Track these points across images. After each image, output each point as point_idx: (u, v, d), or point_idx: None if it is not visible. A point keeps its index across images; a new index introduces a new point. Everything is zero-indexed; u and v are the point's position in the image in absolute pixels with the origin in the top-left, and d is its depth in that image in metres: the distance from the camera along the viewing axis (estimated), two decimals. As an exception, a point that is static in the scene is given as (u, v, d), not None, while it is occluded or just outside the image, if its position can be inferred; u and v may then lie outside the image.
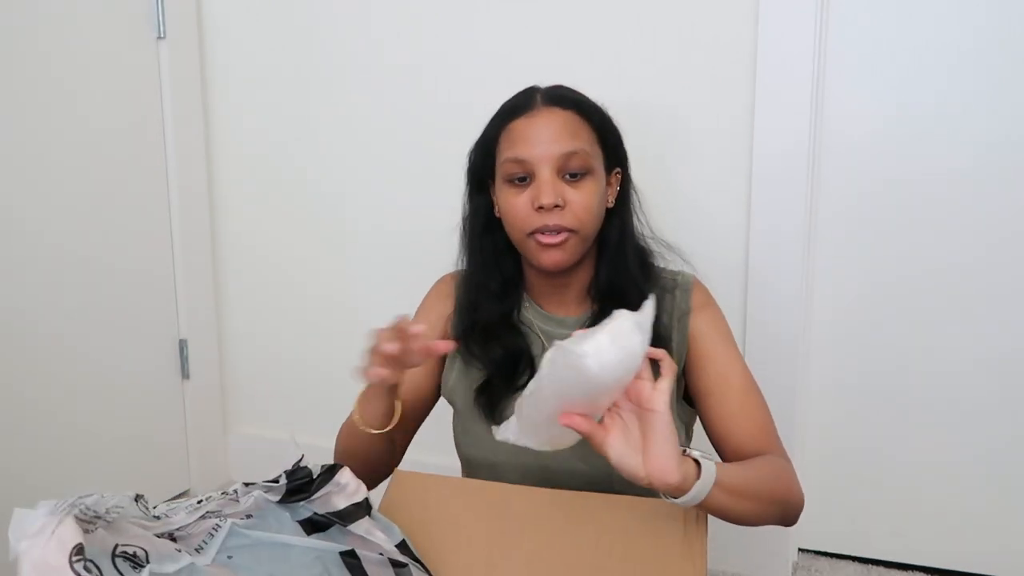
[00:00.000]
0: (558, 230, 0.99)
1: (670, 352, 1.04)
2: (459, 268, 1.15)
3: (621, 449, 0.78)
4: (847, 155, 1.54)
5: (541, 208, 0.98)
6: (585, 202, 1.00)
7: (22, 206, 1.54)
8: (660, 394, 0.77)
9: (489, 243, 1.09)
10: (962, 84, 1.47)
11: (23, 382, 1.56)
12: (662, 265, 1.11)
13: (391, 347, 0.84)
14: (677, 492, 0.79)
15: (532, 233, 1.00)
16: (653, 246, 1.11)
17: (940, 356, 1.57)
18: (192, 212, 1.87)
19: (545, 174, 0.98)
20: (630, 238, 1.08)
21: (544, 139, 0.99)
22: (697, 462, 0.81)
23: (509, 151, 1.01)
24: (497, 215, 1.07)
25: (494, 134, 1.04)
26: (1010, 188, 1.48)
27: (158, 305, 1.84)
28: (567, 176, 1.00)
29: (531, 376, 1.02)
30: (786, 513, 0.97)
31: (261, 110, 1.87)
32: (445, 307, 1.13)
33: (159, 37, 1.77)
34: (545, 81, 1.10)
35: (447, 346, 0.89)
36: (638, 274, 1.06)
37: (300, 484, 0.77)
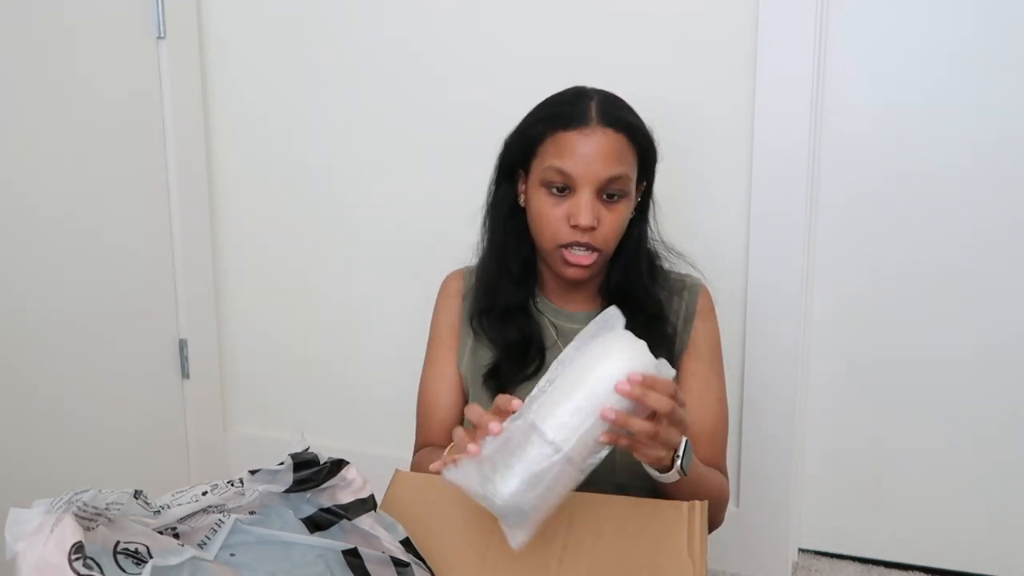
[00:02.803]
0: (588, 249, 1.01)
1: (673, 350, 1.09)
2: (472, 259, 1.17)
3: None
4: (847, 153, 1.54)
5: (576, 226, 1.00)
6: (615, 224, 1.03)
7: (22, 206, 1.53)
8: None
9: (512, 229, 1.10)
10: (962, 82, 1.47)
11: (23, 382, 1.56)
12: (667, 266, 1.14)
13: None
14: (660, 465, 0.87)
15: (561, 246, 1.02)
16: (662, 250, 1.14)
17: (940, 355, 1.57)
18: (192, 212, 1.87)
19: (586, 194, 1.00)
20: (644, 245, 1.11)
21: (593, 160, 0.99)
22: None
23: (556, 160, 1.00)
24: (522, 205, 1.08)
25: (539, 135, 1.03)
26: (1009, 185, 1.48)
27: (158, 305, 1.84)
28: (604, 196, 1.01)
29: (540, 363, 1.08)
30: (712, 523, 1.03)
31: (261, 109, 1.87)
32: (457, 304, 1.16)
33: (159, 37, 1.77)
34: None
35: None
36: (648, 279, 1.10)
37: (308, 474, 0.77)
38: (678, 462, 0.88)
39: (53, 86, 1.57)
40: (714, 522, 1.04)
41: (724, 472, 1.08)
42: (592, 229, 1.00)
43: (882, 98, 1.51)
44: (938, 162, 1.51)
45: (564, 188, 1.01)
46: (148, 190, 1.79)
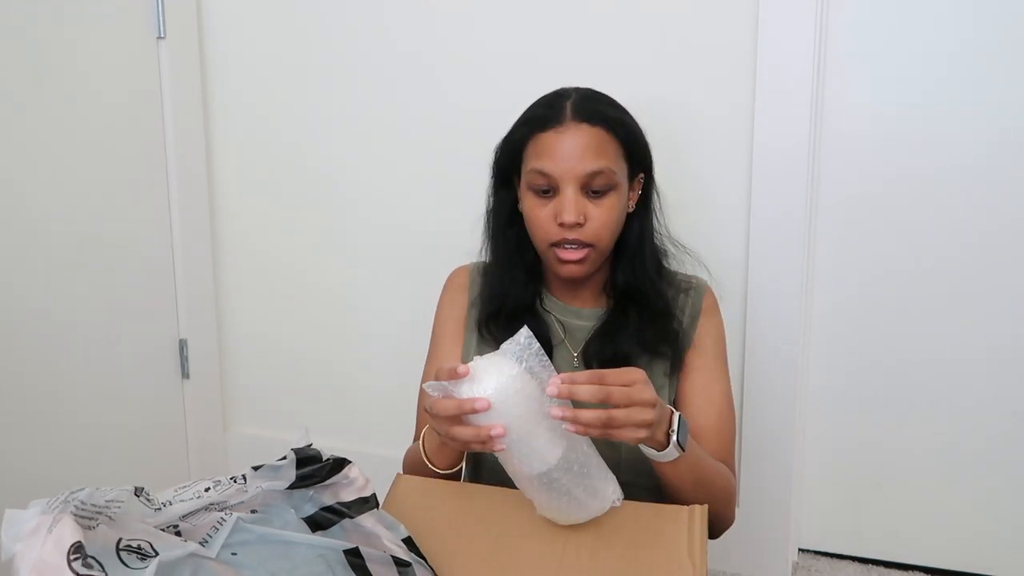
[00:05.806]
0: (578, 245, 1.01)
1: (679, 346, 1.09)
2: (478, 259, 1.17)
3: None
4: (847, 153, 1.54)
5: (563, 224, 1.00)
6: (605, 218, 1.02)
7: (23, 206, 1.53)
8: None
9: (513, 235, 1.10)
10: (962, 82, 1.47)
11: (23, 381, 1.56)
12: (675, 267, 1.14)
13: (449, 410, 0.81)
14: (654, 443, 0.88)
15: (553, 245, 1.02)
16: (669, 246, 1.13)
17: (940, 355, 1.57)
18: (192, 212, 1.87)
19: (569, 191, 1.00)
20: (649, 240, 1.10)
21: (570, 156, 0.99)
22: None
23: (535, 162, 1.01)
24: (520, 210, 1.08)
25: (521, 140, 1.04)
26: (1009, 185, 1.48)
27: (158, 305, 1.84)
28: (590, 192, 1.01)
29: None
30: (718, 521, 1.01)
31: (261, 109, 1.87)
32: (463, 299, 1.15)
33: (159, 37, 1.77)
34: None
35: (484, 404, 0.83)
36: (654, 275, 1.09)
37: (311, 470, 0.77)
38: (674, 436, 0.89)
39: (53, 86, 1.57)
40: (724, 519, 1.03)
41: (732, 468, 1.07)
42: (579, 225, 1.00)
43: (882, 98, 1.51)
44: (938, 162, 1.51)
45: (548, 189, 1.01)
46: (148, 190, 1.79)
